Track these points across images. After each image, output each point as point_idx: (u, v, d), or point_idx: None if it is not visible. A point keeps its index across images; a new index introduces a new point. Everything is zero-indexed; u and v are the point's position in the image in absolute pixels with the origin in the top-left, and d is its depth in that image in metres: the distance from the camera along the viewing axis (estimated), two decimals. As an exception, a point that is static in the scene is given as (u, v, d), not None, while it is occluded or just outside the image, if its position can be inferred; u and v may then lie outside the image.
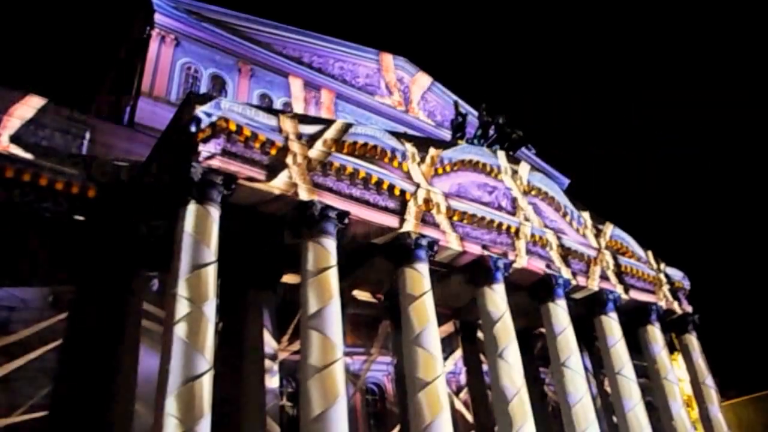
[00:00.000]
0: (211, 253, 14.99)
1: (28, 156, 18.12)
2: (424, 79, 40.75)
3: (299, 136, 18.13)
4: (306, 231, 17.43)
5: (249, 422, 18.43)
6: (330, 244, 17.40)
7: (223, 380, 17.97)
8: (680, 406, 25.61)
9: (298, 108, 31.96)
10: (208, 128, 16.27)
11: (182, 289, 14.15)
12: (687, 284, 30.67)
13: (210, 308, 14.26)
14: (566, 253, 25.06)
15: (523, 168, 25.77)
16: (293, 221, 17.78)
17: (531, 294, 24.03)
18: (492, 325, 20.79)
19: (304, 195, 17.55)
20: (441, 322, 19.93)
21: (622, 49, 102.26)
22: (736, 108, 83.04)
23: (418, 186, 20.75)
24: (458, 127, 25.42)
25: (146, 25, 28.43)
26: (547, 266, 23.77)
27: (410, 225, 19.84)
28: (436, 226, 20.76)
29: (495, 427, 21.35)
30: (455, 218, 21.55)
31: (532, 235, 23.88)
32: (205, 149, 16.10)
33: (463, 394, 26.62)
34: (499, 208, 23.59)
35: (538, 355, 28.10)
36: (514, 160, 25.70)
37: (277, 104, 31.42)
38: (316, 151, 18.35)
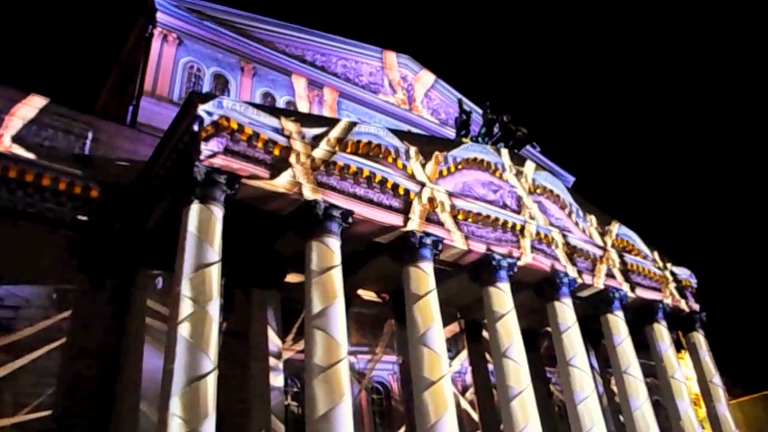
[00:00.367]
0: (214, 252, 14.94)
1: (31, 156, 18.10)
2: (427, 77, 40.57)
3: (302, 136, 18.06)
4: (310, 230, 17.36)
5: (254, 422, 18.40)
6: (334, 243, 17.33)
7: (228, 380, 17.98)
8: (687, 404, 25.49)
9: (302, 107, 31.88)
10: (211, 127, 16.22)
11: (186, 289, 14.10)
12: (694, 282, 30.47)
13: (214, 308, 14.20)
14: (572, 252, 24.93)
15: (528, 166, 25.64)
16: (297, 220, 17.71)
17: (537, 292, 23.91)
18: (497, 324, 20.69)
19: (307, 194, 17.48)
20: (446, 321, 19.82)
21: (625, 47, 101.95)
22: (741, 107, 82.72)
23: (422, 185, 20.66)
24: (462, 125, 25.30)
25: (148, 24, 28.38)
26: (553, 264, 23.63)
27: (415, 224, 19.75)
28: (440, 224, 20.66)
29: (501, 426, 21.21)
30: (460, 217, 21.45)
31: (538, 233, 23.75)
32: (207, 148, 16.04)
33: (469, 394, 26.52)
34: (504, 206, 23.47)
35: (544, 354, 27.96)
36: (518, 158, 25.58)
37: (280, 103, 31.34)
38: (319, 150, 18.28)
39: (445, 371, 17.68)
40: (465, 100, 32.23)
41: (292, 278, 20.79)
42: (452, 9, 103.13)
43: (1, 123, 18.15)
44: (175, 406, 12.68)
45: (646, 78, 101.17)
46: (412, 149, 21.12)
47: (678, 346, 29.12)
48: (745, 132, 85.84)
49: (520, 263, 22.40)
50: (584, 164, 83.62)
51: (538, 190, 25.49)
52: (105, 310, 17.88)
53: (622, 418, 25.43)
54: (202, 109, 16.07)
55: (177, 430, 12.48)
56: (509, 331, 20.51)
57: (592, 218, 27.25)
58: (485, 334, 24.78)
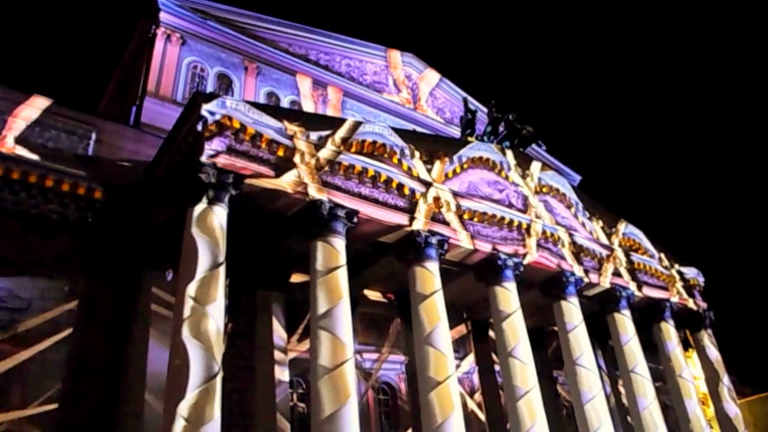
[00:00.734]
0: (219, 253, 14.84)
1: (35, 157, 18.07)
2: (432, 76, 40.40)
3: (306, 135, 17.97)
4: (315, 230, 17.28)
5: (260, 423, 18.37)
6: (339, 243, 17.24)
7: (233, 381, 17.96)
8: (695, 404, 25.30)
9: (306, 106, 31.79)
10: (214, 126, 16.14)
11: (191, 290, 14.01)
12: (701, 280, 30.22)
13: (219, 310, 14.12)
14: (578, 251, 24.78)
15: (534, 164, 25.50)
16: (302, 220, 17.63)
17: (543, 291, 23.78)
18: (504, 324, 20.58)
19: (312, 193, 17.39)
20: (453, 322, 19.72)
21: (630, 46, 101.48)
22: (746, 107, 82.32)
23: (427, 184, 20.55)
24: (467, 124, 25.13)
25: (151, 24, 28.31)
26: (559, 263, 23.49)
27: (420, 223, 19.65)
28: (446, 224, 20.55)
29: (507, 426, 21.10)
30: (466, 216, 21.34)
31: (544, 232, 23.62)
32: (211, 148, 15.96)
33: (477, 395, 26.39)
34: (510, 205, 23.34)
35: (550, 353, 27.81)
36: (524, 157, 25.43)
37: (285, 102, 31.26)
38: (324, 149, 18.19)
39: (451, 371, 17.59)
40: (470, 98, 31.97)
41: (297, 278, 20.73)
42: (457, 7, 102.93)
43: (4, 124, 18.12)
44: (181, 408, 12.60)
45: (653, 77, 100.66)
46: (418, 148, 21.00)
47: (685, 345, 28.94)
48: (752, 131, 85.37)
49: (526, 262, 22.27)
50: (590, 163, 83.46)
51: (544, 189, 25.34)
52: (109, 312, 17.83)
53: (629, 417, 25.21)
54: (205, 109, 15.99)
55: (182, 432, 12.40)
56: (516, 331, 20.40)
57: (599, 217, 27.06)
58: (491, 333, 24.65)
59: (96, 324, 17.43)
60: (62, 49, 76.35)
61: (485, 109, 27.57)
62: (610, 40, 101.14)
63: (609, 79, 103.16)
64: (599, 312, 25.58)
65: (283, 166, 17.22)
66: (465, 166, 22.60)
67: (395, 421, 23.77)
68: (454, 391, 17.32)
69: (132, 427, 15.85)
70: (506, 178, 24.02)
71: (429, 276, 19.05)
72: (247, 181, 16.32)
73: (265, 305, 20.03)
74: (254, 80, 30.51)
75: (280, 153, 17.33)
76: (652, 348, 26.71)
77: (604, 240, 26.54)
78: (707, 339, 28.99)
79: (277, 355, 19.40)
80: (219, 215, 15.36)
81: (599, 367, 25.21)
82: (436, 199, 20.58)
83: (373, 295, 24.68)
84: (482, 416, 25.74)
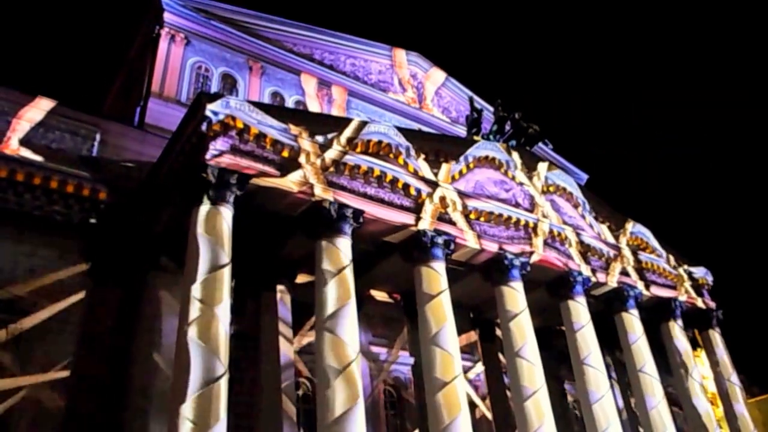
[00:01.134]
0: (224, 254, 14.80)
1: (39, 159, 18.08)
2: (438, 75, 40.22)
3: (311, 135, 17.88)
4: (320, 230, 17.21)
5: (266, 424, 18.27)
6: (345, 243, 17.16)
7: (239, 383, 17.88)
8: (705, 403, 25.07)
9: (311, 106, 31.70)
10: (218, 126, 16.10)
11: (196, 291, 13.97)
12: (710, 279, 29.93)
13: (225, 311, 14.06)
14: (585, 250, 24.59)
15: (540, 163, 25.31)
16: (307, 221, 17.56)
17: (550, 291, 23.61)
18: (511, 324, 20.45)
19: (318, 194, 17.32)
20: (458, 321, 19.57)
21: (635, 44, 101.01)
22: (753, 106, 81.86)
23: (433, 183, 20.43)
24: (473, 123, 25.00)
25: (156, 25, 28.28)
26: (566, 263, 23.31)
27: (426, 223, 19.53)
28: (452, 223, 20.43)
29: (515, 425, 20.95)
30: (472, 216, 21.21)
31: (551, 232, 23.45)
32: (215, 148, 15.92)
33: (483, 394, 26.27)
34: (517, 204, 23.19)
35: (557, 353, 27.58)
36: (530, 156, 25.25)
37: (289, 102, 31.18)
38: (329, 149, 18.11)
39: (458, 372, 17.49)
40: (476, 97, 31.79)
41: (302, 279, 20.65)
42: (463, 6, 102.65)
43: (8, 126, 18.15)
44: (186, 410, 12.56)
45: (660, 76, 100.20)
46: (423, 148, 20.86)
47: (694, 345, 28.69)
48: (759, 130, 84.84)
49: (533, 262, 22.12)
50: (597, 162, 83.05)
51: (551, 188, 25.15)
52: (115, 314, 17.82)
53: (638, 417, 25.03)
54: (209, 109, 15.95)
55: (188, 434, 12.33)
56: (523, 331, 20.26)
57: (606, 216, 26.86)
58: (498, 333, 24.48)
59: (101, 329, 17.38)
60: (66, 50, 76.58)
61: (491, 108, 27.48)
62: (616, 38, 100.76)
63: (616, 77, 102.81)
64: (606, 311, 25.38)
65: (288, 166, 17.14)
66: (471, 165, 22.47)
67: (407, 416, 23.62)
68: (461, 392, 17.20)
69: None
70: (512, 177, 23.86)
71: (435, 276, 18.94)
72: (252, 181, 16.26)
73: (271, 306, 19.96)
74: (259, 80, 30.43)
75: (285, 153, 17.26)
76: (660, 348, 26.49)
77: (611, 239, 26.35)
78: (716, 338, 28.72)
79: (283, 356, 19.31)
80: (224, 216, 15.31)
81: (606, 366, 24.97)
82: (442, 199, 20.45)
83: (380, 295, 24.58)
84: (489, 415, 25.61)
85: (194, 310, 13.73)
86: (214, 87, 28.51)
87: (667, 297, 27.10)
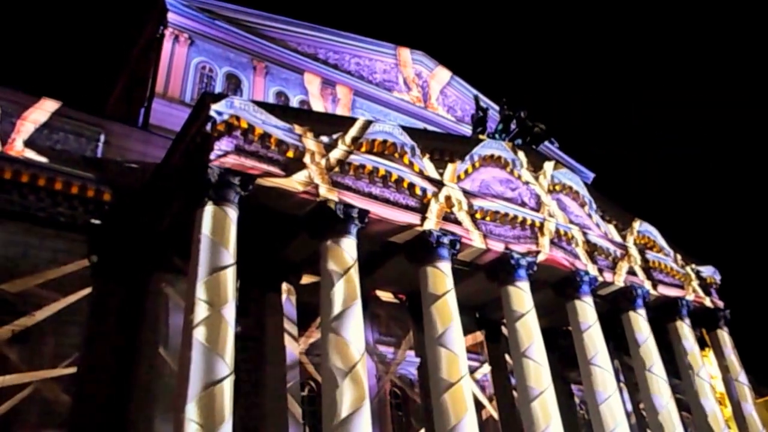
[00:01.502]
0: (229, 255, 14.77)
1: (43, 160, 18.10)
2: (443, 74, 40.06)
3: (315, 135, 17.81)
4: (325, 231, 17.15)
5: (270, 426, 18.21)
6: (350, 243, 17.09)
7: (244, 384, 17.83)
8: (713, 403, 24.90)
9: (315, 105, 31.62)
10: (222, 126, 16.06)
11: (201, 292, 13.95)
12: (718, 278, 29.74)
13: (229, 311, 14.04)
14: (592, 249, 24.44)
15: (547, 162, 25.18)
16: (312, 221, 17.50)
17: (556, 291, 23.48)
18: (517, 324, 20.37)
19: (323, 194, 17.27)
20: (463, 321, 19.46)
21: (640, 43, 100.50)
22: (760, 105, 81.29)
23: (439, 183, 20.32)
24: (479, 122, 24.89)
25: (159, 25, 28.25)
26: (573, 262, 23.16)
27: (432, 223, 19.43)
28: (458, 223, 20.32)
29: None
30: (478, 215, 21.10)
31: (557, 231, 23.32)
32: (219, 148, 15.88)
33: (489, 394, 26.15)
34: (523, 204, 23.05)
35: (564, 354, 27.40)
36: (536, 155, 25.10)
37: (294, 102, 31.11)
38: (333, 149, 18.05)
39: (464, 372, 17.41)
40: (481, 96, 31.68)
41: (308, 280, 20.59)
42: (468, 4, 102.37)
43: (13, 127, 18.16)
44: (192, 411, 12.54)
45: (667, 74, 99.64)
46: (428, 147, 20.76)
47: (701, 345, 28.47)
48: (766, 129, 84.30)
49: (539, 261, 22.00)
50: (604, 160, 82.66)
51: (557, 187, 25.02)
52: (119, 313, 17.83)
53: (645, 417, 24.85)
54: (213, 110, 15.91)
55: (193, 435, 12.28)
56: (529, 331, 20.16)
57: (612, 215, 26.69)
58: (505, 333, 24.35)
59: (105, 330, 17.38)
60: (69, 51, 76.77)
61: (497, 107, 27.34)
62: (621, 36, 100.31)
63: (622, 76, 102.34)
64: (613, 311, 25.21)
65: (292, 166, 17.08)
66: (477, 164, 22.36)
67: (413, 416, 23.52)
68: (468, 393, 17.12)
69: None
70: (518, 176, 23.73)
71: (441, 276, 18.85)
72: (257, 181, 16.21)
73: (276, 307, 19.91)
74: (263, 80, 30.37)
75: (290, 153, 17.20)
76: (667, 349, 26.29)
77: (618, 238, 26.17)
78: (724, 338, 28.54)
79: (289, 356, 19.28)
80: (229, 216, 15.28)
81: (614, 370, 24.80)
82: (448, 198, 20.34)
83: (385, 295, 24.49)
84: (495, 415, 25.49)
85: (199, 311, 13.71)
86: (219, 87, 28.47)
87: (674, 296, 26.92)
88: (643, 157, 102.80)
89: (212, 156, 15.66)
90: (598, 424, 20.61)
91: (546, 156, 26.04)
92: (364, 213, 17.70)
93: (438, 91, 39.31)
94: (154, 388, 16.03)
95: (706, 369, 26.26)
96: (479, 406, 23.72)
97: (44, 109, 18.84)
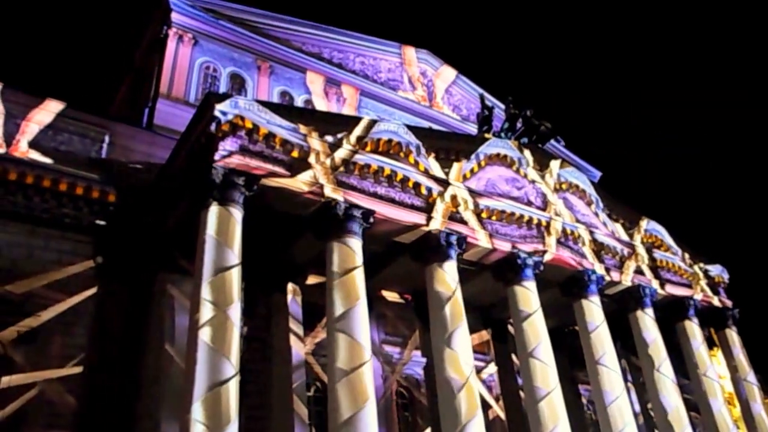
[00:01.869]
0: (234, 255, 14.75)
1: (48, 161, 18.12)
2: (448, 73, 39.93)
3: (320, 135, 17.73)
4: (331, 231, 17.11)
5: (277, 426, 18.20)
6: (355, 243, 17.04)
7: (249, 384, 17.78)
8: (721, 403, 24.71)
9: (320, 105, 31.55)
10: (227, 126, 16.03)
11: (206, 293, 13.93)
12: (726, 277, 29.50)
13: (235, 312, 14.02)
14: (599, 248, 24.28)
15: (553, 161, 25.02)
16: (317, 221, 17.45)
17: (563, 291, 23.32)
18: (524, 324, 20.24)
19: (328, 194, 17.20)
20: (470, 321, 19.37)
21: (645, 40, 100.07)
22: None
23: (444, 182, 20.22)
24: (484, 120, 24.77)
25: (163, 25, 28.25)
26: (580, 262, 23.01)
27: (437, 223, 19.34)
28: (464, 223, 20.21)
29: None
30: (484, 215, 20.99)
31: (564, 230, 23.16)
32: (224, 148, 15.85)
33: (496, 394, 26.04)
34: (529, 203, 22.92)
35: (571, 354, 27.25)
36: (542, 153, 24.95)
37: (298, 101, 31.06)
38: (338, 149, 17.98)
39: (470, 372, 17.32)
40: (487, 95, 31.45)
41: (313, 280, 20.53)
42: (473, 3, 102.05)
43: (17, 128, 18.19)
44: (197, 412, 12.53)
45: (675, 71, 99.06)
46: (434, 146, 20.67)
47: (710, 344, 28.26)
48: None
49: (546, 261, 21.86)
50: (610, 159, 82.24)
51: (564, 186, 24.85)
52: (125, 313, 17.83)
53: (653, 417, 24.68)
54: (218, 110, 15.88)
55: (199, 436, 12.25)
56: (536, 331, 20.05)
57: (619, 214, 26.51)
58: (511, 332, 24.23)
59: (110, 331, 17.37)
60: (74, 52, 76.98)
61: (502, 106, 27.18)
62: (627, 34, 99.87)
63: (629, 74, 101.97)
64: (621, 310, 25.04)
65: (297, 166, 17.02)
66: (483, 163, 22.25)
67: (419, 416, 23.46)
68: (474, 393, 17.02)
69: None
70: (524, 175, 23.58)
71: (447, 276, 18.73)
72: (262, 181, 16.16)
73: (281, 307, 19.87)
74: (267, 80, 30.33)
75: (295, 153, 17.14)
76: (675, 349, 26.09)
77: (625, 237, 25.98)
78: (732, 337, 28.27)
79: (295, 356, 19.24)
80: (234, 216, 15.25)
81: (622, 370, 24.63)
82: (454, 198, 20.24)
83: (391, 295, 24.40)
84: (502, 415, 25.37)
85: (205, 311, 13.69)
86: (223, 87, 28.45)
87: (682, 296, 26.71)
88: (650, 155, 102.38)
89: (217, 156, 15.62)
90: (606, 425, 20.45)
91: (552, 155, 25.87)
92: (369, 213, 17.63)
93: (443, 90, 39.18)
94: (159, 389, 16.03)
95: (714, 369, 26.07)
96: (486, 406, 23.62)
97: (49, 110, 18.86)
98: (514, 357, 24.91)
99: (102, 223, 18.29)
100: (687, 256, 28.27)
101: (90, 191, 18.13)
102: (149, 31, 30.30)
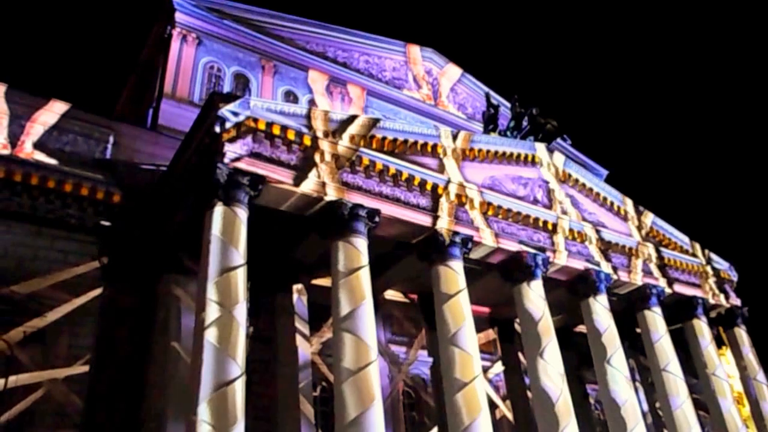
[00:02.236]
0: (239, 255, 14.72)
1: (53, 162, 18.13)
2: (453, 71, 39.77)
3: (326, 134, 17.67)
4: (336, 230, 17.05)
5: (284, 426, 18.18)
6: (361, 243, 16.97)
7: (255, 384, 17.76)
8: (730, 403, 24.52)
9: (320, 103, 31.47)
10: (234, 129, 15.98)
11: (212, 293, 13.91)
12: (734, 276, 29.31)
13: (241, 312, 14.00)
14: (606, 247, 24.13)
15: (558, 159, 24.91)
16: (322, 220, 17.40)
17: (570, 290, 23.19)
18: (530, 324, 20.12)
19: (333, 194, 17.15)
20: (477, 320, 19.30)
21: (651, 37, 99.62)
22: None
23: (450, 182, 20.08)
24: (490, 119, 24.70)
25: (167, 25, 28.23)
26: (587, 261, 22.88)
27: (443, 222, 19.25)
28: (470, 222, 20.12)
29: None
30: (490, 213, 20.89)
31: (570, 230, 23.04)
32: (229, 149, 15.78)
33: (503, 394, 25.94)
34: (535, 201, 22.81)
35: (579, 354, 27.12)
36: (548, 152, 24.82)
37: (303, 101, 31.00)
38: (343, 148, 17.91)
39: (477, 372, 17.24)
40: (492, 93, 31.31)
41: (319, 280, 20.53)
42: (478, 0, 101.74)
43: (22, 130, 18.21)
44: (204, 412, 12.52)
45: (682, 69, 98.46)
46: (442, 136, 20.57)
47: (719, 343, 28.06)
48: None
49: (552, 260, 21.72)
50: (617, 157, 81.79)
51: (570, 184, 24.76)
52: (130, 313, 17.84)
53: (662, 417, 24.51)
54: (225, 110, 15.83)
55: (206, 436, 12.26)
56: (543, 331, 19.90)
57: (627, 212, 26.33)
58: (518, 329, 24.10)
59: (116, 333, 17.35)
60: (78, 53, 77.21)
61: (508, 104, 27.08)
62: (633, 32, 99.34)
63: (636, 71, 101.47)
64: (628, 309, 24.88)
65: (302, 165, 16.97)
66: (488, 158, 22.20)
67: (425, 416, 23.39)
68: (481, 393, 16.93)
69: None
70: (530, 171, 23.46)
71: (453, 275, 18.66)
72: (266, 181, 16.10)
73: (287, 307, 19.82)
74: (272, 79, 30.29)
75: (300, 152, 17.10)
76: (684, 349, 25.90)
77: (633, 235, 25.81)
78: (741, 336, 28.08)
79: (301, 357, 19.20)
80: (239, 217, 15.21)
81: (630, 370, 24.47)
82: (459, 197, 20.16)
83: (397, 295, 24.35)
84: (509, 416, 25.28)
85: (210, 311, 13.67)
86: (227, 87, 28.42)
87: (690, 294, 26.54)
88: (657, 153, 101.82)
89: (221, 156, 15.57)
90: (614, 425, 20.31)
91: (558, 153, 25.71)
92: (374, 212, 17.57)
93: (448, 89, 39.02)
94: (165, 389, 16.01)
95: (723, 368, 25.85)
96: (493, 406, 23.50)
97: (53, 111, 18.87)
98: (521, 356, 24.79)
99: (107, 223, 18.28)
100: (695, 254, 28.08)
101: (95, 192, 18.12)
102: (153, 31, 30.27)
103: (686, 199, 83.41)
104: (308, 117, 17.47)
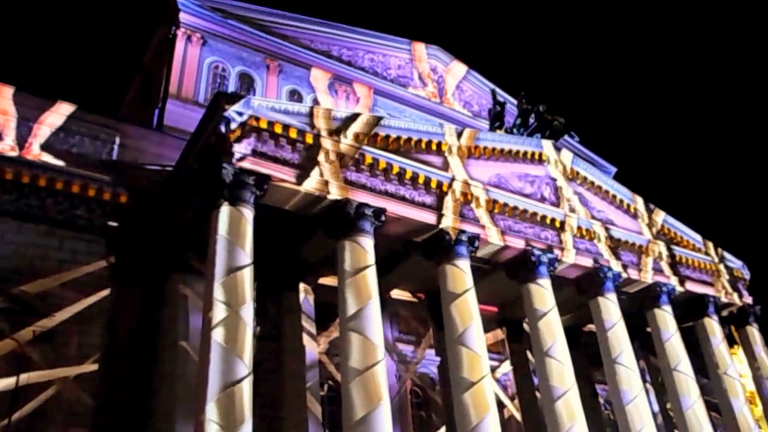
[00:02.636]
0: (246, 255, 14.72)
1: (60, 163, 18.23)
2: (458, 68, 39.59)
3: (330, 132, 17.62)
4: (342, 230, 17.01)
5: (291, 425, 18.17)
6: (367, 242, 16.93)
7: (262, 384, 17.74)
8: (742, 403, 24.28)
9: (325, 102, 31.43)
10: (239, 129, 15.99)
11: (218, 293, 13.92)
12: (747, 274, 28.99)
13: (247, 312, 14.00)
14: (616, 245, 23.92)
15: (566, 156, 24.72)
16: (328, 220, 17.37)
17: (579, 288, 23.02)
18: (539, 322, 20.01)
19: (338, 193, 17.10)
20: (485, 319, 19.17)
21: (658, 34, 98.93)
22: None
23: (455, 180, 19.96)
24: (496, 116, 24.54)
25: (171, 25, 28.26)
26: (596, 259, 22.69)
27: (449, 220, 19.16)
28: (476, 220, 20.00)
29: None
30: (496, 211, 20.76)
31: (579, 228, 22.87)
32: (234, 149, 15.79)
33: (511, 393, 25.81)
34: (542, 199, 22.64)
35: (588, 352, 26.93)
36: (556, 149, 24.66)
37: (307, 100, 30.98)
38: (348, 146, 17.86)
39: (485, 371, 17.15)
40: (498, 90, 31.10)
41: (326, 279, 20.49)
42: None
43: (29, 131, 18.31)
44: (211, 412, 12.54)
45: (689, 67, 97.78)
46: (447, 133, 20.48)
47: (730, 342, 27.74)
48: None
49: (560, 258, 21.56)
50: (626, 154, 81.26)
51: (578, 182, 24.57)
52: (138, 313, 17.90)
53: (673, 417, 24.29)
54: (230, 110, 15.83)
55: (214, 436, 12.27)
56: (552, 330, 19.79)
57: (637, 209, 26.10)
58: (526, 328, 23.97)
59: (124, 333, 17.39)
60: (84, 54, 77.51)
61: (514, 101, 26.89)
62: (639, 30, 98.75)
63: (642, 69, 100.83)
64: (638, 308, 24.66)
65: (307, 164, 16.94)
66: (494, 155, 22.07)
67: (433, 414, 23.33)
68: (489, 392, 16.84)
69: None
70: (537, 169, 23.32)
71: (460, 274, 18.57)
72: (272, 180, 16.09)
73: (293, 307, 19.82)
74: (276, 78, 30.28)
75: (304, 152, 17.06)
76: (694, 346, 25.65)
77: (642, 233, 25.57)
78: (754, 335, 27.77)
79: (308, 356, 19.22)
80: (245, 216, 15.20)
81: (640, 371, 24.27)
82: (465, 195, 20.05)
83: (404, 294, 24.27)
84: (518, 415, 25.14)
85: (217, 311, 13.68)
86: (232, 86, 28.45)
87: (702, 293, 26.28)
88: (668, 150, 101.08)
89: (226, 156, 15.57)
90: (624, 425, 20.12)
91: (566, 150, 25.52)
92: (380, 211, 17.51)
93: (454, 86, 38.87)
94: (174, 389, 16.04)
95: (735, 367, 25.58)
96: (501, 405, 23.40)
97: (60, 113, 18.96)
98: (529, 355, 24.64)
99: (114, 224, 18.36)
100: (707, 252, 27.79)
101: (102, 193, 18.22)
102: (158, 31, 30.34)
103: (698, 198, 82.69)
104: (311, 115, 17.41)
